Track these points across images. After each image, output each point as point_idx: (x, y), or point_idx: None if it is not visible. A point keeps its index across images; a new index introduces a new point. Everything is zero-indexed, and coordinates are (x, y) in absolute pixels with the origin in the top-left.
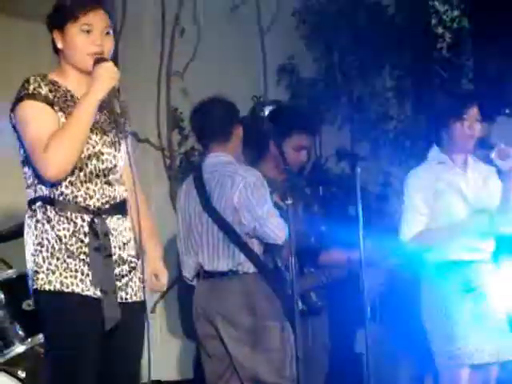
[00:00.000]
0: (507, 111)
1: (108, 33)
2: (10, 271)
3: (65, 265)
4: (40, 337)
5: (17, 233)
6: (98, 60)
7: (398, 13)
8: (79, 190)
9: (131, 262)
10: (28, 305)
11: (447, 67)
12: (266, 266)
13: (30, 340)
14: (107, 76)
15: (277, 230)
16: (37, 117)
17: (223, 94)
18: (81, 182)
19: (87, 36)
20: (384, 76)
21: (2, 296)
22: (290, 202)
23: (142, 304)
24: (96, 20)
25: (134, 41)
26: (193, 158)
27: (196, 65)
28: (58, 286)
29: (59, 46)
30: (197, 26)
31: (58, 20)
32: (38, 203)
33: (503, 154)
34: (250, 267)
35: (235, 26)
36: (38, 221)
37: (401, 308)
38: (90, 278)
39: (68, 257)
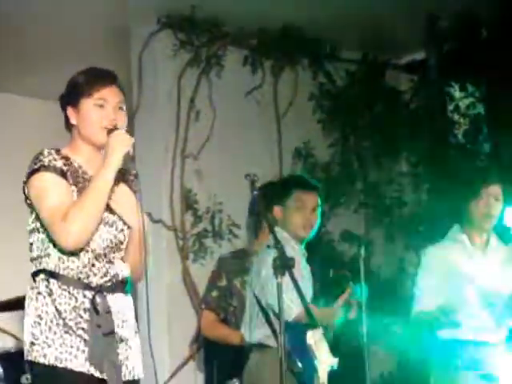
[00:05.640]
0: None
1: (121, 108)
2: (9, 344)
3: (61, 340)
4: None
5: (19, 304)
6: (110, 130)
7: (414, 99)
8: (84, 267)
9: (129, 340)
10: (26, 379)
11: (463, 153)
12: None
13: None
14: (120, 144)
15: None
16: (53, 188)
17: (237, 176)
18: (86, 259)
19: (101, 110)
20: (399, 161)
21: (1, 370)
22: (279, 280)
23: (136, 382)
24: (109, 95)
25: (148, 121)
26: (205, 239)
27: (211, 147)
28: (52, 361)
29: (73, 121)
30: (212, 108)
31: (73, 96)
32: (42, 276)
33: None
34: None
35: (251, 109)
36: (39, 293)
37: None
38: (86, 354)
39: (65, 332)
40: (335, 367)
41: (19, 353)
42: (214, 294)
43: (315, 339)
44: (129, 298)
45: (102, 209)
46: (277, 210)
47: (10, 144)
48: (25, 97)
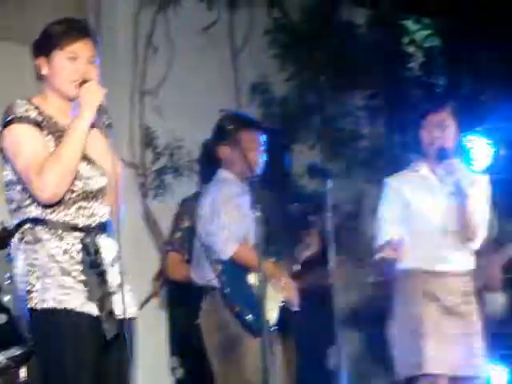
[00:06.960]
0: (479, 130)
1: (94, 62)
2: None
3: (58, 282)
4: (12, 351)
5: None
6: (81, 83)
7: (370, 32)
8: (69, 210)
9: (119, 278)
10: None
11: (419, 86)
12: None
13: (2, 353)
14: (93, 96)
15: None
16: (28, 140)
17: (196, 112)
18: (71, 203)
19: (73, 64)
20: (356, 95)
21: None
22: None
23: (131, 320)
24: (82, 49)
25: (107, 59)
26: (165, 175)
27: (169, 83)
28: (51, 304)
29: (44, 72)
30: (170, 44)
31: (45, 47)
32: (27, 225)
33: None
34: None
35: (208, 45)
36: (27, 242)
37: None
38: (85, 294)
39: (62, 274)
40: (289, 306)
41: None
42: (178, 235)
43: (257, 279)
44: (112, 239)
45: (78, 160)
46: (222, 150)
47: None
48: None
